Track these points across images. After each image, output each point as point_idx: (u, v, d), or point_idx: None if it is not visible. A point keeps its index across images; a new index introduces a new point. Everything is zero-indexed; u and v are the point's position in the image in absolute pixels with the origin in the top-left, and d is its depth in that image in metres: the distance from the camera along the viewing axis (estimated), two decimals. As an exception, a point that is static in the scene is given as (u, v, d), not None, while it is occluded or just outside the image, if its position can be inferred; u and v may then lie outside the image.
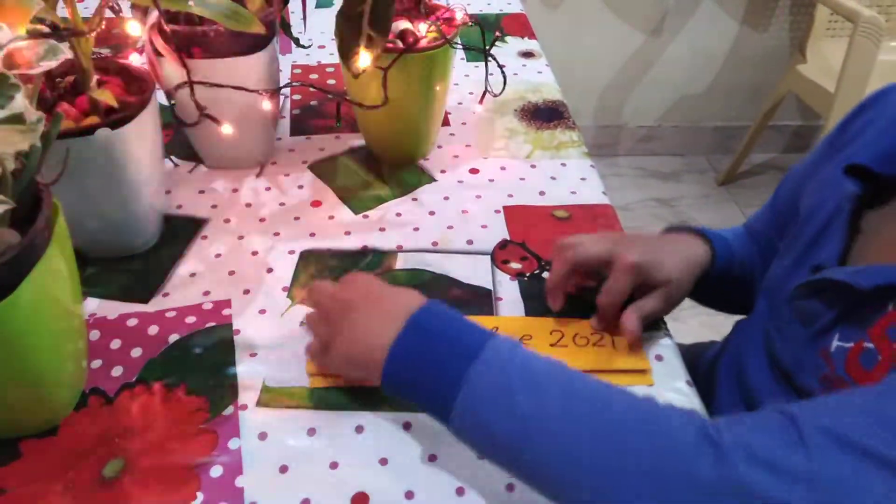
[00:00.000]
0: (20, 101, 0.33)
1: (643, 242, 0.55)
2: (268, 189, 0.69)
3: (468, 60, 0.92)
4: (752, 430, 0.34)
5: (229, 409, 0.48)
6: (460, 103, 0.83)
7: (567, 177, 0.72)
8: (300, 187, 0.69)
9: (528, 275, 0.60)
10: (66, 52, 0.37)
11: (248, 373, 0.51)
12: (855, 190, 0.48)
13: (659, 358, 0.53)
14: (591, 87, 1.98)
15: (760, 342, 0.54)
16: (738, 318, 0.64)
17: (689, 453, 0.33)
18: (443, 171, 0.73)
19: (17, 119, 0.33)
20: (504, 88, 0.70)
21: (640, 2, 1.85)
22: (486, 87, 0.69)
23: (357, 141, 0.76)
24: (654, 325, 0.55)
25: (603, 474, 0.34)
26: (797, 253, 0.51)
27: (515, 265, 0.62)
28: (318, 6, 1.03)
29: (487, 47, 0.67)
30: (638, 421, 0.36)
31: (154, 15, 0.54)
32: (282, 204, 0.67)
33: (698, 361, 0.69)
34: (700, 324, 1.53)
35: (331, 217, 0.66)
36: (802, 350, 0.48)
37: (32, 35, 0.37)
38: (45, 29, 0.42)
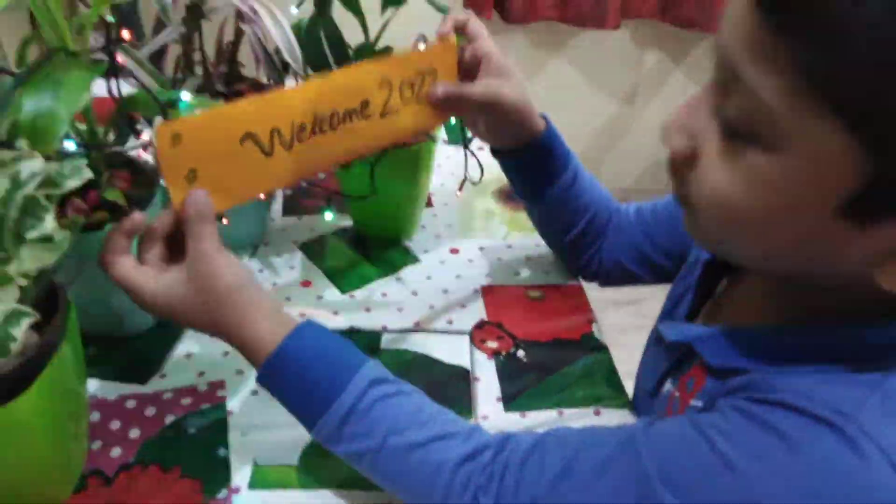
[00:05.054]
0: (49, 223, 0.37)
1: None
2: (261, 271, 0.73)
3: (450, 142, 0.98)
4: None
5: (223, 493, 0.51)
6: (442, 184, 0.89)
7: (541, 257, 0.77)
8: (291, 268, 0.74)
9: (503, 354, 0.65)
10: (89, 173, 0.41)
11: (241, 453, 0.54)
12: (707, 256, 0.52)
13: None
14: (569, 151, 2.07)
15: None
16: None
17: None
18: (425, 251, 0.78)
19: (46, 239, 0.37)
20: (482, 178, 0.76)
21: (614, 73, 1.96)
22: (465, 176, 0.75)
23: (346, 221, 0.81)
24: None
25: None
26: (670, 302, 0.56)
27: (492, 344, 0.66)
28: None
29: (468, 139, 0.72)
30: (419, 477, 0.44)
31: (159, 119, 0.60)
32: (274, 284, 0.71)
33: None
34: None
35: (319, 297, 0.70)
36: (651, 388, 0.53)
37: (61, 156, 0.42)
38: (70, 147, 0.47)
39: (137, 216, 0.47)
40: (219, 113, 0.47)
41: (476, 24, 0.60)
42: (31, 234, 0.37)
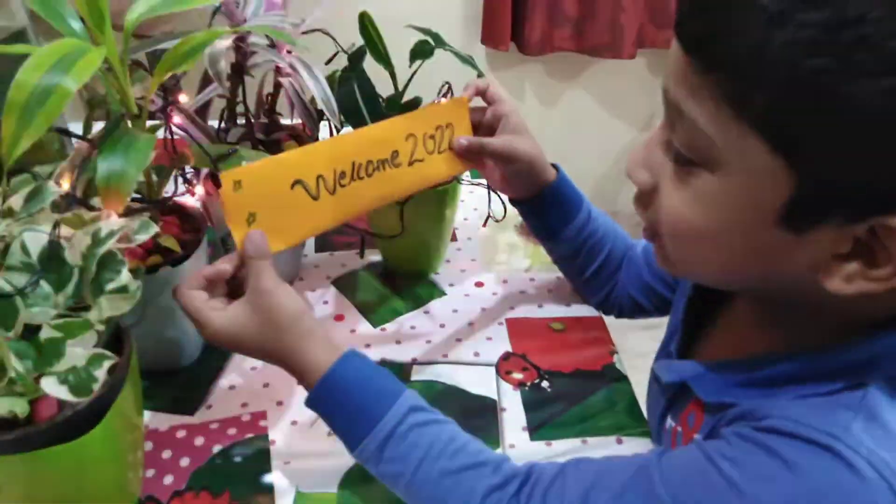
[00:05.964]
0: (125, 275, 0.42)
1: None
2: (297, 305, 0.77)
3: (472, 176, 1.02)
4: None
5: (270, 518, 0.55)
6: (466, 219, 0.93)
7: (562, 289, 0.81)
8: (325, 303, 0.78)
9: (528, 385, 0.68)
10: (156, 228, 0.46)
11: (284, 481, 0.58)
12: (690, 290, 0.55)
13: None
14: (587, 177, 2.10)
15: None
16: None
17: None
18: (451, 285, 0.81)
19: (123, 289, 0.42)
20: (505, 215, 0.80)
21: (631, 102, 2.00)
22: (488, 213, 0.79)
23: (375, 256, 0.85)
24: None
25: None
26: (664, 339, 0.58)
27: (517, 375, 0.69)
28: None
29: (490, 182, 0.77)
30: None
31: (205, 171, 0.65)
32: (309, 319, 0.76)
33: None
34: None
35: (352, 331, 0.74)
36: (656, 423, 0.55)
37: (130, 213, 0.47)
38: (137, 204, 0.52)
39: (224, 266, 0.51)
40: (272, 161, 0.52)
41: (495, 90, 0.67)
42: (110, 286, 0.42)
